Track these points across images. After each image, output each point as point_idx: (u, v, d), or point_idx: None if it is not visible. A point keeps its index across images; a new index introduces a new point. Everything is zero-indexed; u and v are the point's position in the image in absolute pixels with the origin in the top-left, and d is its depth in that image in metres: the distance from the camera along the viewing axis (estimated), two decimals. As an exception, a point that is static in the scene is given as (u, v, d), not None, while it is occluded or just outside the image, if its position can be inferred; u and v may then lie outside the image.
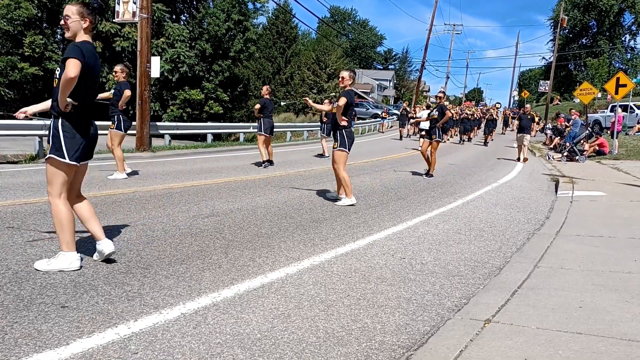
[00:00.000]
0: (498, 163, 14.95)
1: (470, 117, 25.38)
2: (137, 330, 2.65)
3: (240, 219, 5.51)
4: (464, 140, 24.07)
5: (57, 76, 3.41)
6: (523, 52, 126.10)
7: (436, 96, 11.23)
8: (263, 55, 42.60)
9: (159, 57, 14.34)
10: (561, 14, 42.09)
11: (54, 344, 2.45)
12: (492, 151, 19.66)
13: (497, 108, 38.95)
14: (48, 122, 11.62)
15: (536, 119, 16.92)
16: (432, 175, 10.26)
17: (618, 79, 16.14)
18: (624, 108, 24.37)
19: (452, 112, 26.90)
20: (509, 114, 39.52)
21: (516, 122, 18.14)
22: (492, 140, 24.90)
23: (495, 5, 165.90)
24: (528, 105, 16.79)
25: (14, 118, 3.94)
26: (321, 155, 13.89)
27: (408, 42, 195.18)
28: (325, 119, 13.77)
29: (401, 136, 24.88)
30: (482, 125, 26.50)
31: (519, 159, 15.43)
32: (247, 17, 28.82)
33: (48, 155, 3.47)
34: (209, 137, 18.26)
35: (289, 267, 3.89)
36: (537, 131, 18.91)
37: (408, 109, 27.23)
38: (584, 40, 57.82)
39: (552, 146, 20.41)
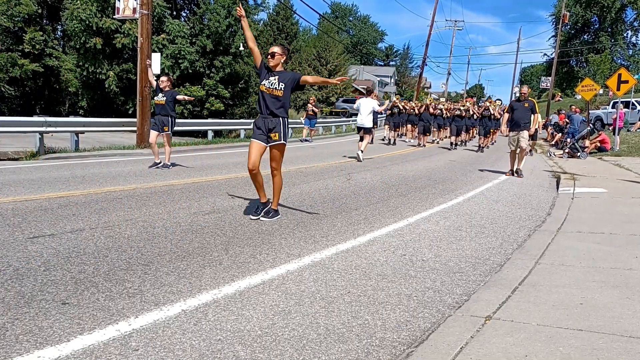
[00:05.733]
0: (500, 159, 14.92)
1: (464, 114, 19.22)
2: (138, 327, 2.65)
3: (240, 215, 5.51)
4: (455, 144, 19.09)
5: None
6: (524, 48, 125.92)
7: (267, 54, 5.88)
8: (264, 51, 42.45)
9: (159, 54, 14.31)
10: (563, 10, 41.96)
11: (55, 341, 2.45)
12: (488, 156, 19.17)
13: (498, 103, 27.38)
14: (49, 119, 11.62)
15: (537, 110, 10.85)
16: (275, 212, 5.42)
17: (620, 75, 16.11)
18: (626, 104, 24.37)
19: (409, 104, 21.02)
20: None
21: (506, 115, 10.82)
22: (493, 143, 21.53)
23: (497, 0, 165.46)
24: (525, 87, 11.02)
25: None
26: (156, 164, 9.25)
27: (409, 38, 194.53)
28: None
29: (389, 140, 19.96)
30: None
31: (511, 171, 10.64)
32: (248, 13, 28.75)
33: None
34: (210, 134, 18.27)
35: (289, 264, 3.89)
36: (536, 129, 13.56)
37: (400, 105, 20.76)
38: (585, 37, 57.68)
39: (553, 142, 20.40)
